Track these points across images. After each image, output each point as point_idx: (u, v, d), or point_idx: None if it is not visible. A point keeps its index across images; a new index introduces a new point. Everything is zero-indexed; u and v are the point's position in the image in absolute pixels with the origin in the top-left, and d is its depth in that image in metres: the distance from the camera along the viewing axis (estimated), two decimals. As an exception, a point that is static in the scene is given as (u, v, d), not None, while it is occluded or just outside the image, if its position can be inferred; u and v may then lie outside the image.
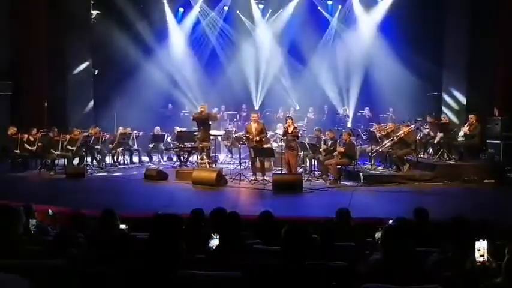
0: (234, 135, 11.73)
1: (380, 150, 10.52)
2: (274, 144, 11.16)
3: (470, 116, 11.18)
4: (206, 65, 15.08)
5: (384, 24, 14.07)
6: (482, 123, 11.10)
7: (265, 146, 10.44)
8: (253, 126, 10.31)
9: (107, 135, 12.62)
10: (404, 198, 8.48)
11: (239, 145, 11.19)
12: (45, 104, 13.72)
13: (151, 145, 13.18)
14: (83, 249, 3.55)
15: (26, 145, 11.63)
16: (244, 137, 10.56)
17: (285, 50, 14.85)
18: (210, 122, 11.27)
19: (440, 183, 9.71)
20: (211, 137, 11.09)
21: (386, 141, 10.52)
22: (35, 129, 11.90)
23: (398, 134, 10.44)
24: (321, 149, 10.34)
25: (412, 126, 10.91)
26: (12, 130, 11.77)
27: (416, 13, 13.75)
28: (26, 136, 11.77)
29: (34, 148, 11.66)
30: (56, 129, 12.32)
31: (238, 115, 14.17)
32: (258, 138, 10.19)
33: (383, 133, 10.96)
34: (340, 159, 10.05)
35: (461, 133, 11.03)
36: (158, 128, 13.39)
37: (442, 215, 4.88)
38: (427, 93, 14.38)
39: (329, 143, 10.51)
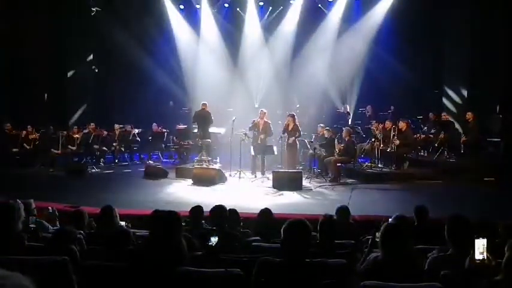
0: (234, 133, 11.69)
1: (388, 150, 10.46)
2: (274, 142, 11.13)
3: (467, 114, 11.23)
4: (206, 63, 15.03)
5: (384, 21, 14.02)
6: (480, 121, 11.13)
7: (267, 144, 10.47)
8: (261, 123, 10.33)
9: (105, 133, 12.63)
10: (404, 196, 8.48)
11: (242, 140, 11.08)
12: (45, 102, 13.73)
13: (150, 140, 13.18)
14: (83, 245, 3.56)
15: (25, 144, 11.70)
16: (249, 131, 10.49)
17: (285, 47, 14.81)
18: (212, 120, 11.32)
19: (440, 181, 9.71)
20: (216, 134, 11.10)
21: (392, 141, 10.43)
22: (30, 126, 11.92)
23: (395, 133, 10.41)
24: (336, 150, 10.25)
25: (408, 121, 10.91)
26: (8, 127, 11.81)
27: (417, 10, 13.70)
28: (24, 133, 11.81)
29: (31, 146, 11.72)
30: (51, 127, 12.34)
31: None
32: (262, 136, 10.23)
33: (382, 131, 10.94)
34: (340, 157, 10.05)
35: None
36: (155, 124, 13.39)
37: (441, 213, 4.88)
38: (427, 91, 14.38)
39: (328, 141, 10.50)
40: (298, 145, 10.46)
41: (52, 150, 11.60)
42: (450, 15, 13.68)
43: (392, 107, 13.45)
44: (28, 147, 11.81)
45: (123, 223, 4.80)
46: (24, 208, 3.55)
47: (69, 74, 14.68)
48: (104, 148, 12.37)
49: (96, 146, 12.08)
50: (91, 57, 15.32)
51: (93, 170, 11.28)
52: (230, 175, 10.03)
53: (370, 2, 14.26)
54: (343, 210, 5.01)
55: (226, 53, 15.06)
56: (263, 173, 10.19)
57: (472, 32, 12.65)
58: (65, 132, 12.07)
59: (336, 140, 10.37)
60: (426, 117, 12.77)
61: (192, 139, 12.23)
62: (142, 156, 13.01)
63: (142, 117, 14.28)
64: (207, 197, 7.89)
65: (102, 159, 12.40)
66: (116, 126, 12.90)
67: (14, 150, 11.66)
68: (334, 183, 9.68)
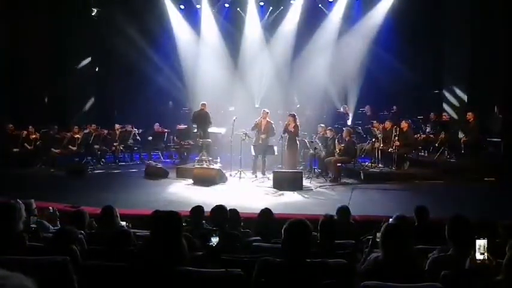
0: (234, 133, 11.71)
1: (389, 150, 10.45)
2: (274, 142, 11.13)
3: (468, 114, 11.24)
4: (207, 63, 15.04)
5: (385, 21, 14.02)
6: (480, 121, 11.14)
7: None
8: (263, 123, 10.34)
9: (105, 132, 12.63)
10: (404, 196, 8.48)
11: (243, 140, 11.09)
12: (46, 102, 13.73)
13: (150, 139, 13.18)
14: (83, 246, 3.56)
15: (26, 144, 11.71)
16: (251, 131, 10.50)
17: (285, 47, 14.81)
18: (211, 121, 11.34)
19: (440, 181, 9.71)
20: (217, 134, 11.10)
21: (393, 141, 10.42)
22: (31, 126, 11.93)
23: (396, 133, 10.40)
24: (336, 150, 10.25)
25: (409, 121, 10.91)
26: (9, 127, 11.83)
27: (417, 10, 13.71)
28: (25, 133, 11.82)
29: (32, 146, 11.74)
30: (56, 127, 12.36)
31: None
32: (263, 136, 10.23)
33: (382, 131, 10.93)
34: (340, 157, 10.04)
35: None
36: (158, 124, 13.39)
37: (442, 213, 4.88)
38: (428, 91, 14.37)
39: (329, 141, 10.50)
40: (298, 145, 10.46)
41: (52, 149, 11.60)
42: (450, 15, 13.68)
43: (394, 107, 13.46)
44: (29, 147, 11.81)
45: (123, 223, 4.80)
46: (25, 208, 3.55)
47: (70, 73, 14.66)
48: (105, 148, 12.37)
49: (96, 146, 12.07)
50: (92, 56, 15.31)
51: (94, 170, 11.28)
52: (231, 175, 10.03)
53: (371, 2, 14.27)
54: (343, 210, 5.01)
55: (227, 53, 15.05)
56: (263, 173, 10.20)
57: (472, 32, 12.64)
58: (68, 134, 12.06)
59: (336, 140, 10.36)
60: (426, 117, 12.77)
61: (193, 139, 12.23)
62: (142, 156, 12.99)
63: (142, 117, 14.28)
64: (208, 197, 7.88)
65: (102, 159, 12.40)
66: (117, 126, 12.90)
67: (15, 150, 11.67)
68: (334, 183, 9.67)
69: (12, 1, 13.00)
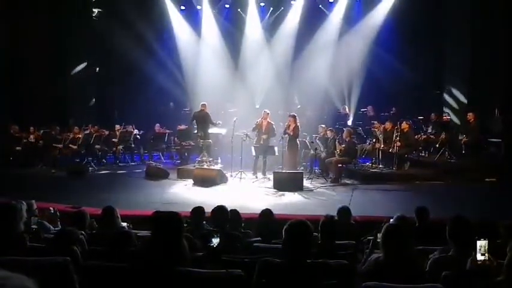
0: (235, 134, 11.70)
1: (390, 150, 10.44)
2: (275, 142, 11.12)
3: (468, 114, 11.25)
4: (207, 63, 15.04)
5: (385, 21, 14.02)
6: (480, 121, 11.13)
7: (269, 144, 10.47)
8: (264, 124, 10.34)
9: (106, 133, 12.64)
10: (405, 196, 8.47)
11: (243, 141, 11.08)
12: (46, 102, 13.72)
13: (151, 141, 13.18)
14: (84, 246, 3.56)
15: (28, 144, 11.72)
16: (251, 132, 10.51)
17: (286, 48, 14.80)
18: (212, 121, 11.33)
19: (441, 182, 9.70)
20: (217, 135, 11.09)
21: (394, 141, 10.41)
22: (32, 127, 11.95)
23: (397, 134, 10.40)
24: (337, 150, 10.25)
25: (410, 122, 10.91)
26: (14, 129, 11.84)
27: (418, 10, 13.71)
28: (31, 137, 11.85)
29: (34, 142, 11.76)
30: (58, 128, 12.37)
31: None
32: (264, 136, 10.23)
33: (383, 132, 10.92)
34: (341, 157, 10.04)
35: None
36: (158, 125, 13.39)
37: (443, 214, 4.88)
38: (428, 91, 14.35)
39: (330, 141, 10.50)
40: (299, 146, 10.46)
41: (54, 145, 11.64)
42: (451, 15, 13.68)
43: (394, 108, 13.44)
44: (32, 141, 11.82)
45: (124, 224, 4.80)
46: (26, 209, 3.55)
47: (71, 74, 14.67)
48: (105, 149, 12.37)
49: (97, 147, 12.08)
50: (92, 57, 15.31)
51: (95, 171, 11.28)
52: (231, 176, 10.03)
53: (371, 3, 14.27)
54: (344, 211, 5.01)
55: (227, 53, 15.05)
56: (264, 174, 10.20)
57: (473, 32, 12.63)
58: (70, 135, 12.06)
59: (336, 140, 10.36)
60: (427, 117, 12.75)
61: (193, 140, 12.23)
62: (143, 156, 12.99)
63: (142, 118, 14.27)
64: (208, 198, 7.88)
65: (103, 160, 12.40)
66: (117, 126, 12.89)
67: (17, 148, 11.68)
68: (335, 183, 9.67)
69: (12, 1, 13.01)
